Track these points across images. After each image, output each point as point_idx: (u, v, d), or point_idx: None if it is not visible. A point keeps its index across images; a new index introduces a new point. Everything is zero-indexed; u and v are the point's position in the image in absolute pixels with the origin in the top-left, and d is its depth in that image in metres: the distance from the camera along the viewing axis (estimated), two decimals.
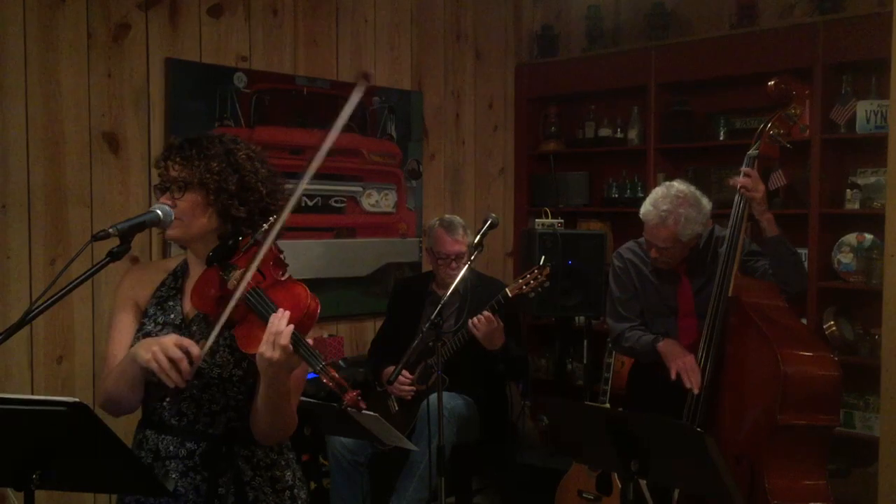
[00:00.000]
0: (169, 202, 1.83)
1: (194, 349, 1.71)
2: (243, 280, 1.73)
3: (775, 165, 3.85)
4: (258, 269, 1.77)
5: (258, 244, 1.79)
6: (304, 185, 1.74)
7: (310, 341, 1.69)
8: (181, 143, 1.88)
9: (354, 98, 1.69)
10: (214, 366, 1.84)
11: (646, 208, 3.11)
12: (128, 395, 1.85)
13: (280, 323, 1.68)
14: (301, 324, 1.70)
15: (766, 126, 3.01)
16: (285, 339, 1.66)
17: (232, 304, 1.72)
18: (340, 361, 4.26)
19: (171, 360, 1.69)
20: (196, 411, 1.87)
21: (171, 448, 1.87)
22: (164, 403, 1.86)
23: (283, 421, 1.85)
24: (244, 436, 1.88)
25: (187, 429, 1.87)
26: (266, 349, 1.68)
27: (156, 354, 1.69)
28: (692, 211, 3.02)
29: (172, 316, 1.91)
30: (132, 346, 1.84)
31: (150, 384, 1.85)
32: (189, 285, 1.92)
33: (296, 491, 1.97)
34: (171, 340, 1.71)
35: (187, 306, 1.91)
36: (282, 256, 1.82)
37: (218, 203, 1.84)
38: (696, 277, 3.17)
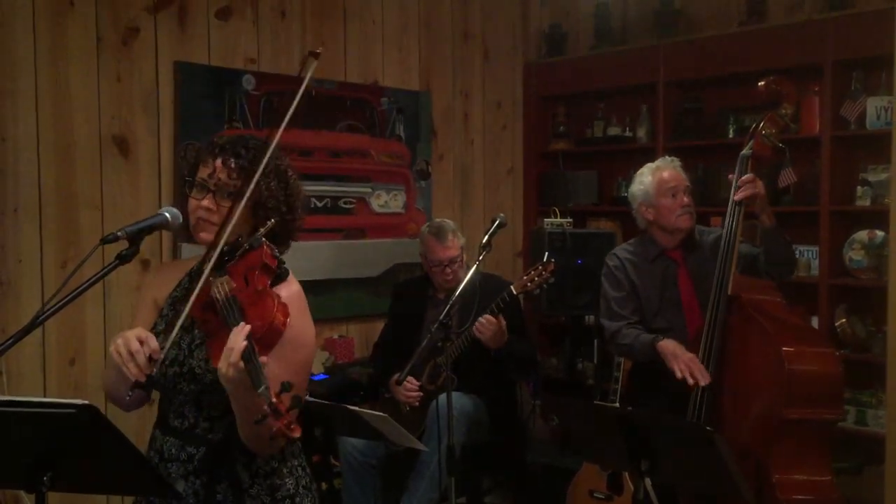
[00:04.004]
0: (211, 205, 1.80)
1: (153, 342, 1.66)
2: (195, 291, 1.69)
3: (786, 162, 3.83)
4: (243, 277, 1.71)
5: (252, 249, 1.74)
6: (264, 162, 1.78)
7: (263, 359, 1.59)
8: (234, 145, 1.85)
9: (308, 74, 1.77)
10: (208, 371, 1.80)
11: (658, 170, 3.27)
12: (120, 387, 1.82)
13: (237, 338, 1.60)
14: (263, 339, 1.63)
15: (757, 126, 3.05)
16: (235, 356, 1.58)
17: (185, 311, 1.69)
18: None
19: (130, 352, 1.65)
20: (197, 415, 1.86)
21: (174, 451, 1.86)
22: (129, 394, 1.72)
23: (257, 437, 1.72)
24: (244, 442, 1.83)
25: (188, 432, 1.86)
26: (221, 364, 1.61)
27: (117, 346, 1.67)
28: None
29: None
30: None
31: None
32: None
33: (298, 500, 1.91)
34: (133, 333, 1.69)
35: None
36: (271, 264, 1.73)
37: (256, 218, 1.82)
38: (690, 256, 3.26)
